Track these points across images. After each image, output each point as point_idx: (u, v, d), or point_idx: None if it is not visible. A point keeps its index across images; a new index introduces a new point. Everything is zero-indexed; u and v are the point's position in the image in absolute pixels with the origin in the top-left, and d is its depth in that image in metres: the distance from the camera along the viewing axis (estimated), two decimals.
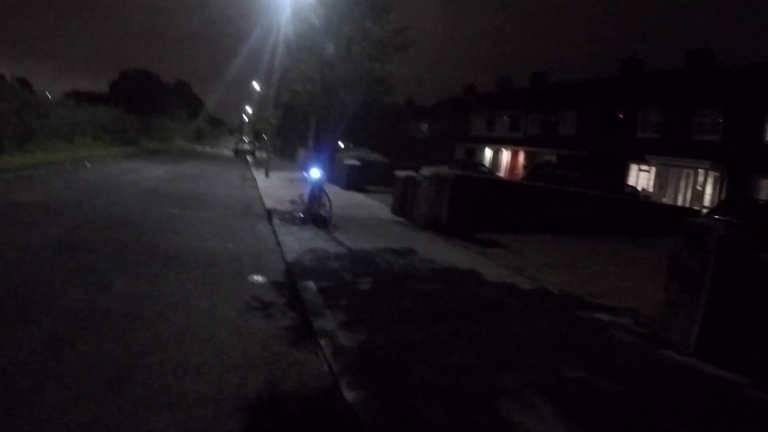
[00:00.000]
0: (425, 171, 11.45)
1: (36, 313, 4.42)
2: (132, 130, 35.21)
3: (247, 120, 68.38)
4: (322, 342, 4.40)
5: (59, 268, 5.84)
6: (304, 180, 11.62)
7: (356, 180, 19.29)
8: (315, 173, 11.01)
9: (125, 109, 35.04)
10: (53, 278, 5.43)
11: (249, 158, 41.21)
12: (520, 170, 36.93)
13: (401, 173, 13.20)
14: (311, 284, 6.12)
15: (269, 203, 13.25)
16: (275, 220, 10.71)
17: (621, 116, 30.70)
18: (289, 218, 11.07)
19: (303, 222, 10.70)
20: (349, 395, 3.48)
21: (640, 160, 28.65)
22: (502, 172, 39.22)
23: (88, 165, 18.29)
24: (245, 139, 53.99)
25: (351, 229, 10.40)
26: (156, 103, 65.16)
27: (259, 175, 22.64)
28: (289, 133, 39.36)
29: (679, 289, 4.91)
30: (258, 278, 6.49)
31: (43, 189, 11.80)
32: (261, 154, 50.47)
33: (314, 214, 10.90)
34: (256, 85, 44.08)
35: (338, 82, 10.20)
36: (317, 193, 11.08)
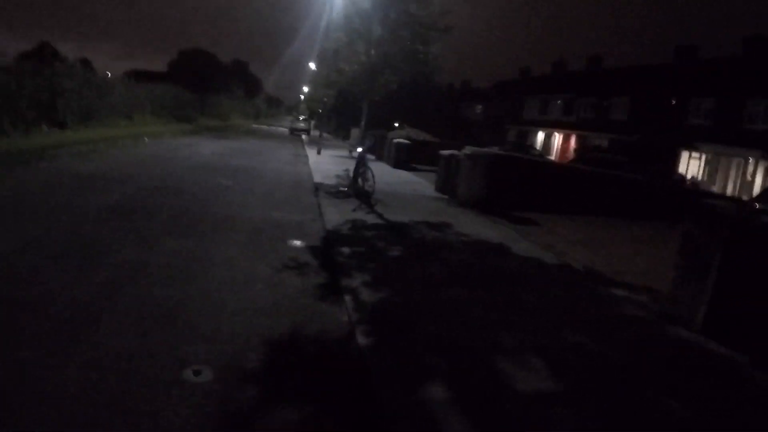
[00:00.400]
0: (467, 150, 11.63)
1: (96, 264, 5.09)
2: (189, 108, 36.85)
3: (303, 99, 69.64)
4: (346, 297, 4.83)
5: (117, 228, 6.57)
6: (353, 157, 12.12)
7: (405, 159, 19.59)
8: (359, 149, 11.47)
9: (183, 88, 36.57)
10: (112, 237, 6.15)
11: (304, 137, 42.14)
12: (571, 154, 36.29)
13: (445, 152, 13.42)
14: (344, 249, 6.58)
15: (318, 178, 13.81)
16: (321, 194, 11.25)
17: (674, 102, 29.62)
18: (334, 192, 11.59)
19: (347, 195, 11.19)
20: (362, 341, 3.90)
21: (691, 147, 27.77)
22: (553, 156, 38.66)
23: (146, 140, 19.50)
24: (300, 117, 55.12)
25: (392, 203, 10.78)
26: (214, 82, 67.28)
27: (311, 153, 23.34)
28: (342, 112, 40.01)
29: (689, 267, 4.98)
30: (297, 243, 7.01)
31: (105, 161, 12.85)
32: (316, 133, 51.66)
33: (358, 188, 11.37)
34: (312, 65, 44.97)
35: (384, 62, 10.54)
36: (361, 169, 11.53)
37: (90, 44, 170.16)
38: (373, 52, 10.61)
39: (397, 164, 19.62)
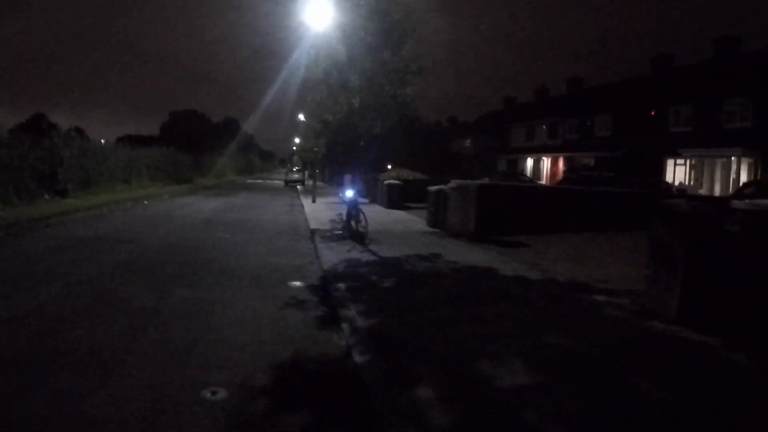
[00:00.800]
0: (452, 183, 12.30)
1: (114, 312, 5.62)
2: (185, 168, 37.87)
3: (295, 150, 71.26)
4: (344, 325, 5.35)
5: (130, 282, 7.15)
6: (344, 202, 12.80)
7: (397, 199, 20.31)
8: (349, 194, 12.16)
9: (177, 149, 37.68)
10: (125, 289, 6.70)
11: (299, 187, 43.05)
12: (560, 176, 37.22)
13: (433, 188, 14.10)
14: (341, 285, 7.11)
15: (314, 224, 14.43)
16: (317, 238, 11.84)
17: (653, 113, 30.89)
18: (329, 236, 12.18)
19: (341, 238, 11.78)
20: (358, 359, 4.41)
21: (675, 154, 28.69)
22: (543, 179, 39.60)
23: (146, 203, 20.23)
24: (294, 169, 56.36)
25: (385, 241, 11.35)
26: (206, 141, 69.01)
27: (306, 201, 24.06)
28: (334, 160, 40.99)
29: (659, 265, 5.55)
30: (296, 283, 7.56)
31: (110, 225, 13.48)
32: (310, 183, 52.66)
33: (352, 230, 11.98)
34: (301, 117, 46.50)
35: (364, 109, 11.33)
36: (353, 212, 12.17)
37: (80, 112, 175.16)
38: (353, 101, 11.41)
39: (390, 204, 20.31)
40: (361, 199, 13.03)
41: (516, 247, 10.56)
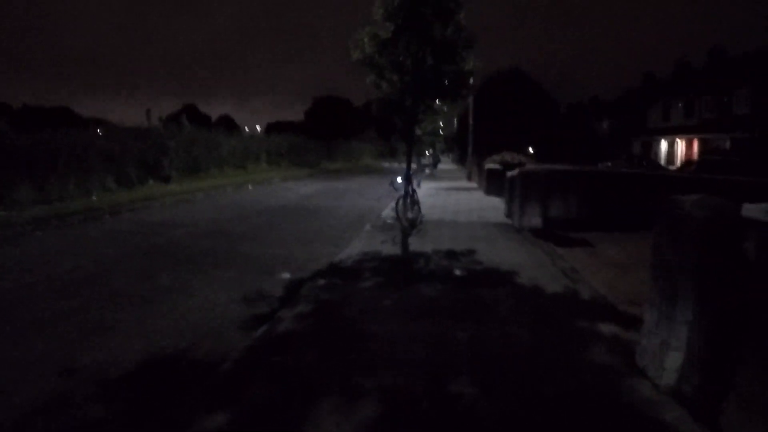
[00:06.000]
0: (519, 169, 11.13)
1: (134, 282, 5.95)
2: (311, 153, 39.80)
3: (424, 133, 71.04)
4: (261, 327, 5.01)
5: (149, 265, 7.76)
6: (395, 189, 12.31)
7: (496, 185, 19.13)
8: (398, 180, 11.70)
9: (314, 134, 39.83)
10: (139, 268, 7.16)
11: (427, 171, 42.76)
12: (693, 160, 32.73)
13: (511, 173, 12.93)
14: (321, 281, 6.74)
15: (387, 212, 14.14)
16: (367, 227, 11.55)
17: None
18: (382, 225, 11.79)
19: (391, 227, 11.32)
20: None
21: None
22: (677, 165, 35.07)
23: (250, 187, 21.55)
24: (427, 153, 56.34)
25: (435, 233, 10.67)
26: (346, 125, 71.99)
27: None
28: (457, 141, 40.36)
29: (660, 297, 4.00)
30: (286, 275, 7.36)
31: (186, 210, 14.59)
32: (449, 165, 52.39)
33: (403, 218, 11.47)
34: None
35: (420, 88, 10.64)
36: (406, 199, 11.64)
37: (238, 102, 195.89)
38: (406, 79, 10.75)
39: (489, 191, 19.23)
40: (464, 184, 12.45)
41: (575, 245, 9.18)
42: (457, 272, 7.39)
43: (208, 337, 5.02)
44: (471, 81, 11.05)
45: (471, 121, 30.76)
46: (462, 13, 10.23)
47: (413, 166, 13.47)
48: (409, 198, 11.67)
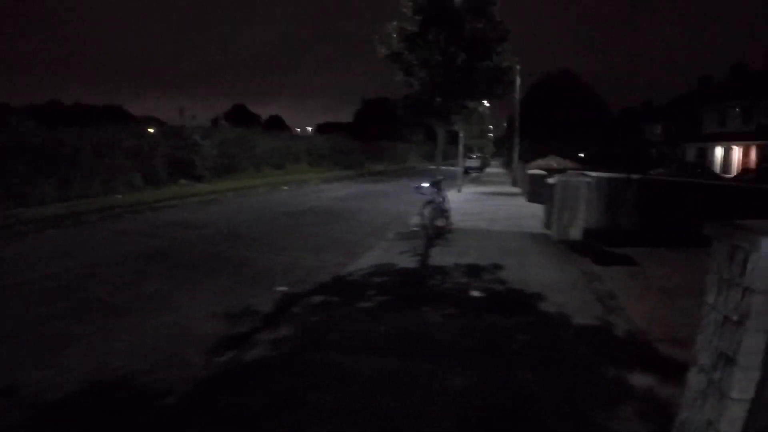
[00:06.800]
0: (558, 175, 10.12)
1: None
2: (355, 154, 39.34)
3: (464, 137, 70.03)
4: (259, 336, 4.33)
5: (141, 270, 7.39)
6: (421, 194, 11.49)
7: (539, 191, 17.98)
8: (423, 185, 10.95)
9: (361, 136, 39.45)
10: (130, 274, 6.87)
11: (473, 174, 41.57)
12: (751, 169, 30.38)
13: (552, 179, 11.88)
14: (317, 298, 6.06)
15: (417, 219, 13.33)
16: (390, 235, 10.82)
17: None
18: (407, 233, 11.00)
19: (416, 236, 10.51)
20: None
21: None
22: (733, 173, 32.68)
23: (284, 188, 21.14)
24: (473, 156, 55.09)
25: (463, 243, 9.82)
26: (394, 126, 71.41)
27: (452, 192, 22.91)
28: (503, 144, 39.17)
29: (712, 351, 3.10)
30: (282, 288, 6.71)
31: (208, 210, 14.25)
32: (497, 169, 51.17)
33: (429, 226, 10.63)
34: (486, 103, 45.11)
35: (450, 86, 9.87)
36: (433, 206, 10.82)
37: (295, 103, 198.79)
38: (436, 77, 9.96)
39: (531, 198, 18.12)
40: (507, 189, 11.67)
41: (616, 264, 8.09)
42: (475, 293, 6.51)
43: (167, 361, 4.39)
44: (510, 80, 10.15)
45: (517, 124, 29.49)
46: (497, 4, 9.38)
47: (455, 168, 12.68)
48: (439, 205, 10.82)
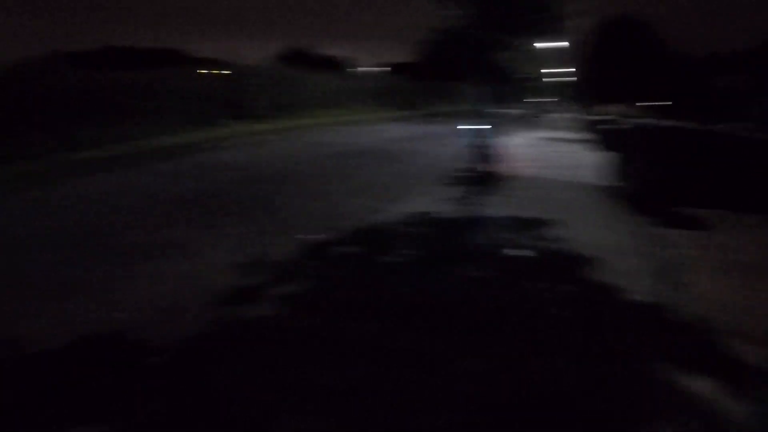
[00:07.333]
0: (621, 123, 9.11)
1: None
2: (414, 95, 38.42)
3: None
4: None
5: (172, 214, 7.23)
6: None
7: (605, 139, 16.66)
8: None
9: (426, 76, 38.19)
10: (160, 218, 6.84)
11: (533, 118, 39.61)
12: None
13: (613, 126, 10.82)
14: (340, 248, 5.62)
15: (465, 164, 12.62)
16: (438, 180, 10.21)
17: None
18: (458, 177, 10.34)
19: (463, 182, 9.85)
20: None
21: None
22: None
23: (340, 128, 20.79)
24: (525, 101, 52.36)
25: (518, 193, 9.10)
26: (458, 68, 68.97)
27: (509, 136, 21.78)
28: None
29: None
30: (309, 236, 6.28)
31: (257, 150, 14.12)
32: (565, 114, 48.54)
33: (476, 171, 9.94)
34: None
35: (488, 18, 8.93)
36: (480, 150, 10.07)
37: (358, 43, 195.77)
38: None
39: (599, 146, 16.79)
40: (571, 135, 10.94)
41: (686, 227, 7.12)
42: (516, 252, 5.88)
43: (168, 313, 4.10)
44: (557, 14, 9.04)
45: (575, 68, 27.34)
46: None
47: (516, 112, 11.84)
48: (490, 149, 10.04)
